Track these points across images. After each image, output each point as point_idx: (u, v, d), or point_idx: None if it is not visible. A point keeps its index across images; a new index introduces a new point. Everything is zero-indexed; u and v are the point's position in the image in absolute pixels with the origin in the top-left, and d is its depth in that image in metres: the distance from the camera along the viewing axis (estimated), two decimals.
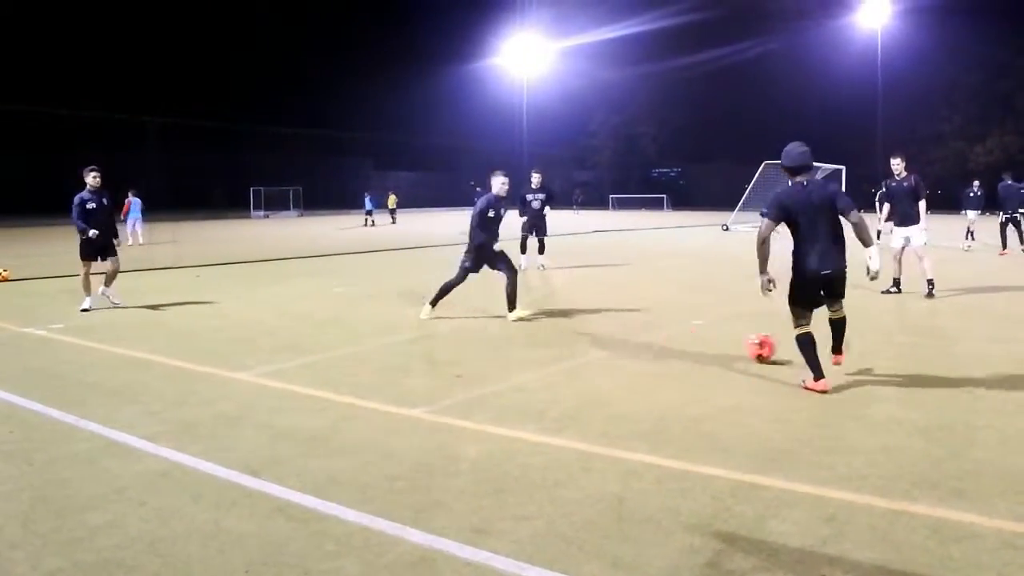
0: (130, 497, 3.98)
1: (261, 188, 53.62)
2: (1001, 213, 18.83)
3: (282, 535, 3.53)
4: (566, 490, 4.02)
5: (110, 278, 10.46)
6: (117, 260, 10.50)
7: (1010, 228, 18.64)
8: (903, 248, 11.09)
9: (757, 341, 6.82)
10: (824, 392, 5.78)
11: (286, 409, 5.58)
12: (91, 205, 10.19)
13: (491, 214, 9.04)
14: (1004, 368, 6.59)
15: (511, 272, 9.13)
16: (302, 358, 7.29)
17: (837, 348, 6.24)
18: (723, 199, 44.21)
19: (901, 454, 4.51)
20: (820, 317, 6.06)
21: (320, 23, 70.74)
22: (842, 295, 6.07)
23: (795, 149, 5.96)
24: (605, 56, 65.75)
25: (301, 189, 55.52)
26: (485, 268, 9.21)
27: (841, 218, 5.84)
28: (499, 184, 9.16)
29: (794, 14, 57.39)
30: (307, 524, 3.65)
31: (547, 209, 15.13)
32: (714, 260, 17.26)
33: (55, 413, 5.48)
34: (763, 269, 5.90)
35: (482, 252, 9.07)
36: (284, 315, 10.02)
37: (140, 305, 10.61)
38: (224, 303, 10.76)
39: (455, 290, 9.20)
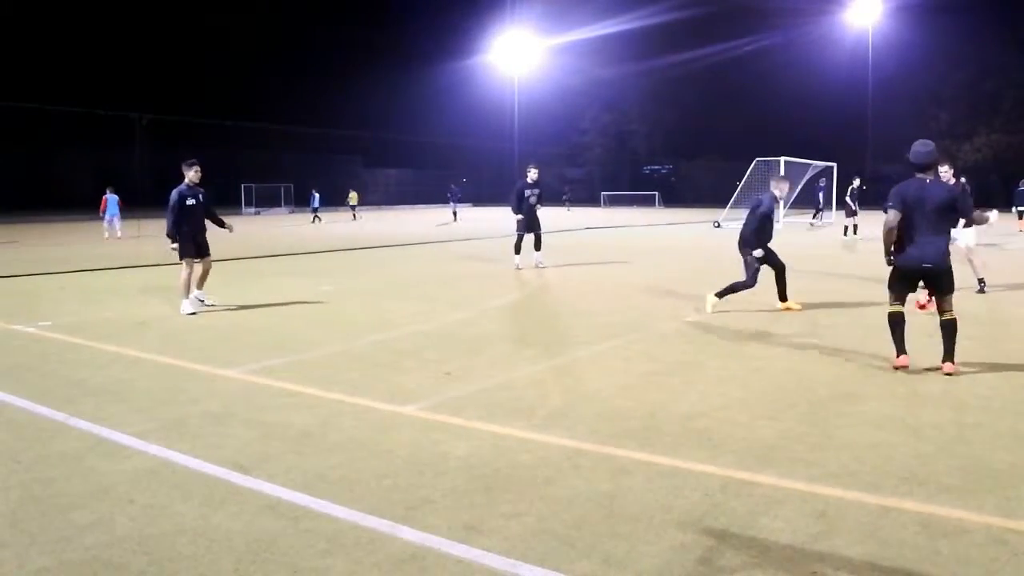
0: (118, 495, 3.96)
1: (252, 185, 53.39)
2: None
3: (271, 533, 3.52)
4: (557, 487, 4.02)
5: (202, 278, 10.17)
6: (210, 259, 10.22)
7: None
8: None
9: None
10: (903, 368, 6.31)
11: (275, 406, 5.56)
12: (190, 201, 9.90)
13: (775, 219, 9.64)
14: (993, 368, 6.62)
15: (781, 265, 9.73)
16: (290, 355, 7.26)
17: (946, 355, 6.24)
18: (715, 196, 44.28)
19: (891, 451, 4.53)
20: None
21: (311, 20, 70.57)
22: (948, 291, 6.27)
23: (920, 148, 6.28)
24: (596, 53, 65.72)
25: (292, 186, 55.34)
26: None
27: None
28: (780, 190, 9.84)
29: (785, 12, 57.50)
30: (297, 521, 3.64)
31: (538, 206, 15.10)
32: (705, 257, 17.29)
33: (43, 411, 5.45)
34: (887, 252, 6.44)
35: (761, 248, 9.51)
36: (271, 312, 9.99)
37: (127, 303, 10.54)
38: (211, 300, 10.69)
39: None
